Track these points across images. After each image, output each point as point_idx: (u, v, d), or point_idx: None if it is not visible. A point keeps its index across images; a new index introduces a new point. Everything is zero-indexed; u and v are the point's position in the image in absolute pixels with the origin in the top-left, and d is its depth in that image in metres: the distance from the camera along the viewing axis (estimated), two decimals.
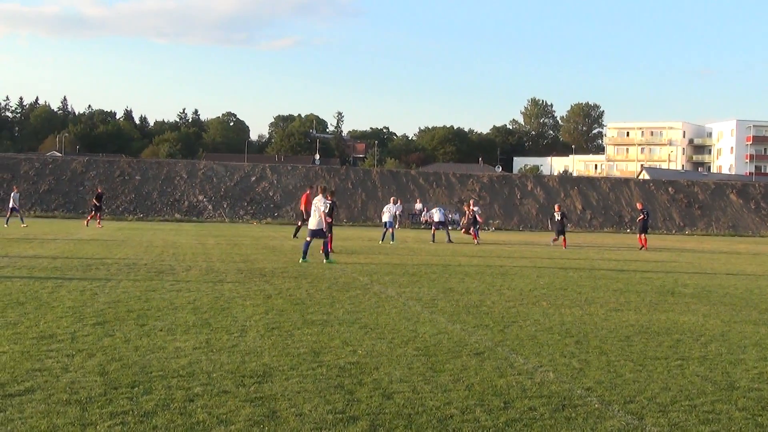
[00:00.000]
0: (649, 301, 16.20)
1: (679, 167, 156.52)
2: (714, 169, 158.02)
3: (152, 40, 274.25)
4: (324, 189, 24.52)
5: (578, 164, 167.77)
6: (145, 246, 28.61)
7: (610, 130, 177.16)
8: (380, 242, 35.81)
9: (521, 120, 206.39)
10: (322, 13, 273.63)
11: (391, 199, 40.02)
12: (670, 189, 76.39)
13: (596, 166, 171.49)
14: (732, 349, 10.89)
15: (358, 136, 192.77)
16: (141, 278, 17.47)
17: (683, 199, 74.59)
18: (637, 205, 42.22)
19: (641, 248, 36.88)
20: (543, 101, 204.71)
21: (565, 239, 36.77)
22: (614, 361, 9.81)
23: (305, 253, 23.32)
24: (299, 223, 37.49)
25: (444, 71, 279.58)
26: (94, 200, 47.15)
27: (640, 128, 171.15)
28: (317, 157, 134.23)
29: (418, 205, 65.61)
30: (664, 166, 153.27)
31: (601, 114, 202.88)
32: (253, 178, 70.94)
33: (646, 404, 7.85)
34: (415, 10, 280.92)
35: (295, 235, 37.06)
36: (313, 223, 23.67)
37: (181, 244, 30.80)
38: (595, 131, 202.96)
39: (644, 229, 38.27)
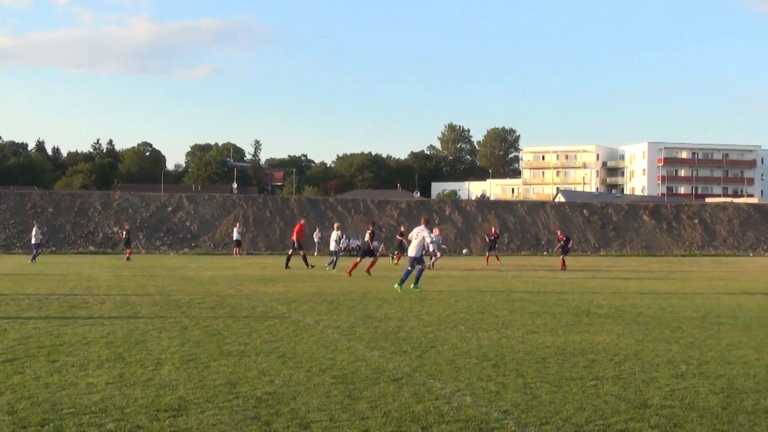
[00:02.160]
0: (564, 322, 16.39)
1: (594, 189, 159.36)
2: (627, 191, 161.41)
3: (65, 69, 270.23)
4: (427, 221, 25.51)
5: (495, 188, 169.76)
6: (58, 279, 28.04)
7: (526, 154, 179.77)
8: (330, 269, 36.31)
9: (438, 145, 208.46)
10: (239, 42, 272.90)
11: (335, 225, 40.19)
12: (585, 211, 77.66)
13: (513, 189, 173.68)
14: (645, 368, 11.06)
15: (276, 164, 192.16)
16: (53, 313, 17.08)
17: (598, 221, 75.87)
18: (558, 233, 42.98)
19: (562, 269, 38.05)
20: (460, 126, 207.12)
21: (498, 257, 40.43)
22: (531, 383, 9.89)
23: (403, 281, 24.13)
24: (290, 252, 38.33)
25: (361, 98, 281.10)
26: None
27: (555, 152, 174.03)
28: (235, 185, 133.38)
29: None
30: (579, 188, 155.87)
31: (517, 138, 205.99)
32: (170, 209, 70.13)
33: (561, 425, 7.92)
34: (331, 38, 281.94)
35: (287, 266, 37.18)
36: (412, 251, 24.45)
37: (95, 276, 30.24)
38: (511, 155, 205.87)
39: (565, 252, 39.65)
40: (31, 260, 43.15)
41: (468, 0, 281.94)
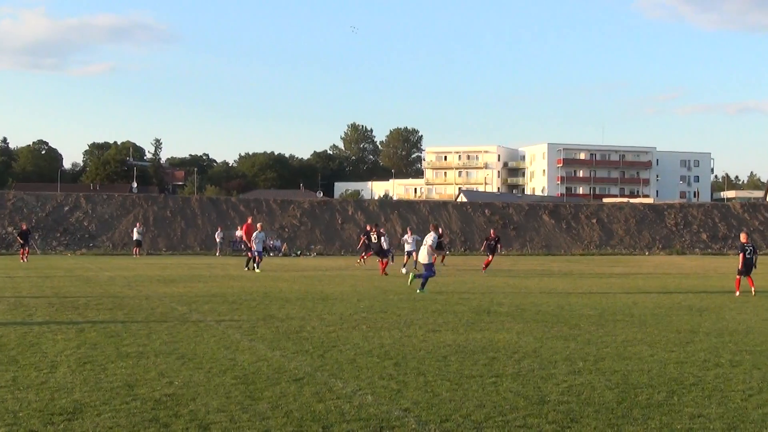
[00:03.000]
0: (466, 321, 16.55)
1: (495, 190, 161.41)
2: (528, 191, 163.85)
3: None
4: (436, 227, 26.02)
5: (398, 188, 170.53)
6: None
7: (429, 154, 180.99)
8: (255, 270, 35.75)
9: (341, 145, 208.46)
10: (137, 39, 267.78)
11: (258, 225, 39.48)
12: (486, 211, 78.57)
13: (416, 189, 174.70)
14: (543, 365, 11.25)
15: (177, 163, 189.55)
16: None
17: (499, 221, 76.80)
18: (491, 232, 40.17)
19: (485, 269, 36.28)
20: (363, 126, 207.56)
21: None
22: (431, 381, 9.95)
23: (424, 284, 23.98)
24: (249, 255, 37.41)
25: (264, 97, 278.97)
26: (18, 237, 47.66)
27: (458, 152, 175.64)
28: (134, 185, 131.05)
29: (239, 233, 65.04)
30: (481, 188, 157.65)
31: (420, 138, 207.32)
32: (67, 208, 68.54)
33: (461, 422, 7.99)
34: (233, 35, 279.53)
35: (246, 266, 36.48)
36: (423, 257, 24.36)
37: None
38: (414, 155, 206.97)
39: (491, 252, 37.38)
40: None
41: (372, 0, 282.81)
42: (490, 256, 36.95)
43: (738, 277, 24.65)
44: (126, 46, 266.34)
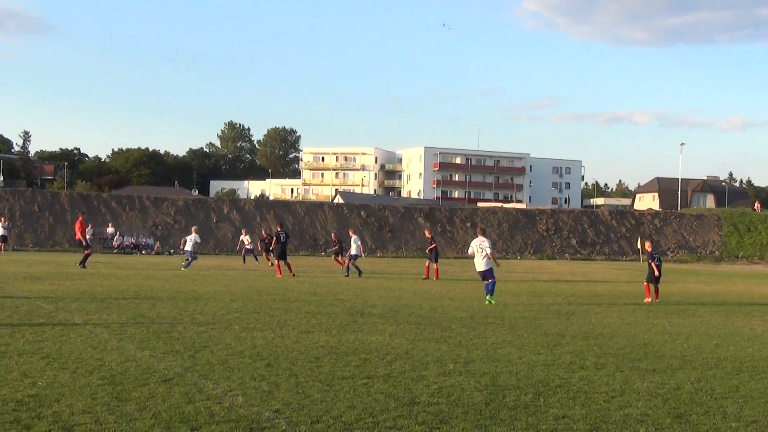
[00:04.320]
0: (339, 322, 16.58)
1: (372, 192, 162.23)
2: (404, 194, 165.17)
3: None
4: (483, 231, 23.91)
5: (275, 188, 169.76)
6: None
7: (306, 154, 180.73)
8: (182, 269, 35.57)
9: (218, 143, 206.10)
10: (6, 28, 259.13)
11: (193, 228, 39.37)
12: (362, 213, 78.90)
13: (293, 190, 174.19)
14: (415, 366, 11.36)
15: (46, 156, 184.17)
16: None
17: (375, 223, 77.26)
18: (426, 233, 38.93)
19: (427, 278, 34.05)
20: (240, 125, 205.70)
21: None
22: (303, 383, 9.94)
23: (492, 292, 22.28)
24: (87, 252, 35.48)
25: (139, 92, 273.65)
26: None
27: (335, 153, 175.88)
28: (1, 178, 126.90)
29: (110, 229, 63.67)
30: (358, 190, 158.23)
31: (298, 139, 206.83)
32: None
33: (332, 423, 8.00)
34: (108, 28, 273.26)
35: (81, 263, 34.40)
36: (479, 265, 22.48)
37: None
38: (291, 156, 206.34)
39: (435, 259, 35.11)
40: None
41: (250, 0, 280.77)
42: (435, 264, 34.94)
43: (646, 283, 24.80)
44: None
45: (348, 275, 33.58)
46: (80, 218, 36.82)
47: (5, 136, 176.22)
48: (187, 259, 37.04)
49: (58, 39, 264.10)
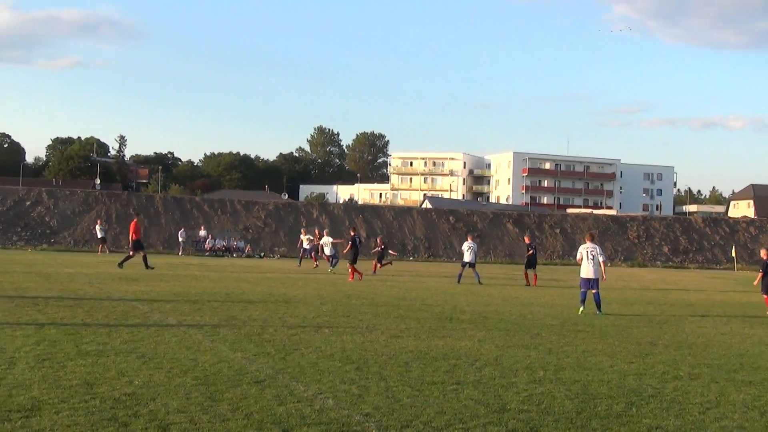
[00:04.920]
0: (428, 327, 16.58)
1: (460, 197, 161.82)
2: (493, 199, 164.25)
3: None
4: (592, 236, 22.81)
5: (364, 193, 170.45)
6: None
7: (395, 159, 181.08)
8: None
9: (308, 148, 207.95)
10: (104, 35, 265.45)
11: (325, 231, 42.38)
12: (450, 218, 78.77)
13: (381, 194, 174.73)
14: (504, 373, 11.29)
15: (141, 161, 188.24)
16: None
17: (463, 228, 77.00)
18: (525, 239, 38.06)
19: (528, 285, 33.83)
20: (329, 130, 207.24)
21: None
22: (393, 387, 9.96)
23: (599, 305, 21.50)
24: (131, 253, 35.59)
25: (231, 97, 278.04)
26: None
27: (423, 158, 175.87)
28: (98, 181, 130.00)
29: (203, 232, 64.75)
30: (446, 195, 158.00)
31: (386, 143, 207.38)
32: (28, 203, 67.84)
33: (422, 428, 8.01)
34: (201, 34, 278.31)
35: (120, 264, 34.59)
36: (588, 272, 21.64)
37: None
38: (380, 160, 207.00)
39: (532, 264, 34.67)
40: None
41: (342, 5, 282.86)
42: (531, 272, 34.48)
43: (765, 296, 24.00)
44: (93, 41, 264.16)
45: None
46: (135, 220, 37.04)
47: (102, 140, 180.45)
48: (331, 261, 40.92)
49: (152, 46, 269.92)
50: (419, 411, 8.71)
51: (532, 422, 8.44)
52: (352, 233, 34.70)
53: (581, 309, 21.49)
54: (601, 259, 21.78)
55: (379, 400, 9.20)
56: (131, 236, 36.01)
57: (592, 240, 22.42)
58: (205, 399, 8.87)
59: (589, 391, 10.24)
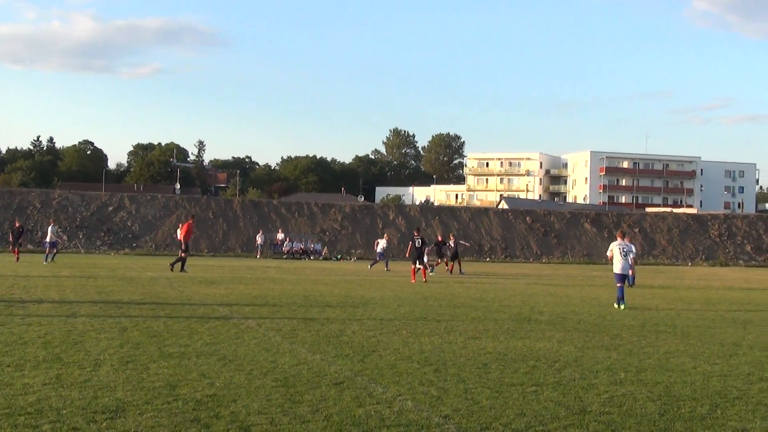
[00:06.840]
0: (506, 328, 16.48)
1: (537, 197, 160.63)
2: (570, 199, 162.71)
3: (5, 66, 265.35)
4: (624, 233, 23.60)
5: (439, 194, 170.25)
6: None
7: (471, 160, 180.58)
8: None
9: (383, 150, 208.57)
10: (185, 43, 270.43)
11: (386, 235, 43.91)
12: (527, 218, 78.23)
13: (457, 195, 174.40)
14: (585, 374, 11.16)
15: (219, 165, 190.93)
16: None
17: (540, 228, 76.50)
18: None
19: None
20: (405, 132, 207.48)
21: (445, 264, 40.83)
22: (472, 389, 9.92)
23: (621, 299, 22.23)
24: (181, 254, 35.52)
25: (307, 101, 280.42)
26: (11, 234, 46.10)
27: (499, 159, 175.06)
28: (178, 186, 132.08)
29: (280, 235, 65.36)
30: (522, 195, 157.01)
31: (462, 144, 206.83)
32: (111, 208, 69.28)
33: (501, 430, 7.95)
34: (277, 40, 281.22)
35: (172, 267, 35.06)
36: (622, 268, 22.53)
37: (32, 276, 29.74)
38: (455, 161, 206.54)
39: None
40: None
41: (415, 7, 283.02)
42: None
43: None
44: (174, 49, 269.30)
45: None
46: (190, 221, 36.90)
47: (182, 145, 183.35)
48: (377, 261, 43.92)
49: (230, 52, 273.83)
50: (499, 413, 8.66)
51: (614, 424, 8.32)
52: (416, 234, 34.62)
53: (622, 306, 21.93)
54: (631, 255, 22.77)
55: (458, 402, 9.17)
56: (182, 237, 35.60)
57: (624, 237, 23.19)
58: (285, 401, 8.94)
59: (671, 392, 10.07)
